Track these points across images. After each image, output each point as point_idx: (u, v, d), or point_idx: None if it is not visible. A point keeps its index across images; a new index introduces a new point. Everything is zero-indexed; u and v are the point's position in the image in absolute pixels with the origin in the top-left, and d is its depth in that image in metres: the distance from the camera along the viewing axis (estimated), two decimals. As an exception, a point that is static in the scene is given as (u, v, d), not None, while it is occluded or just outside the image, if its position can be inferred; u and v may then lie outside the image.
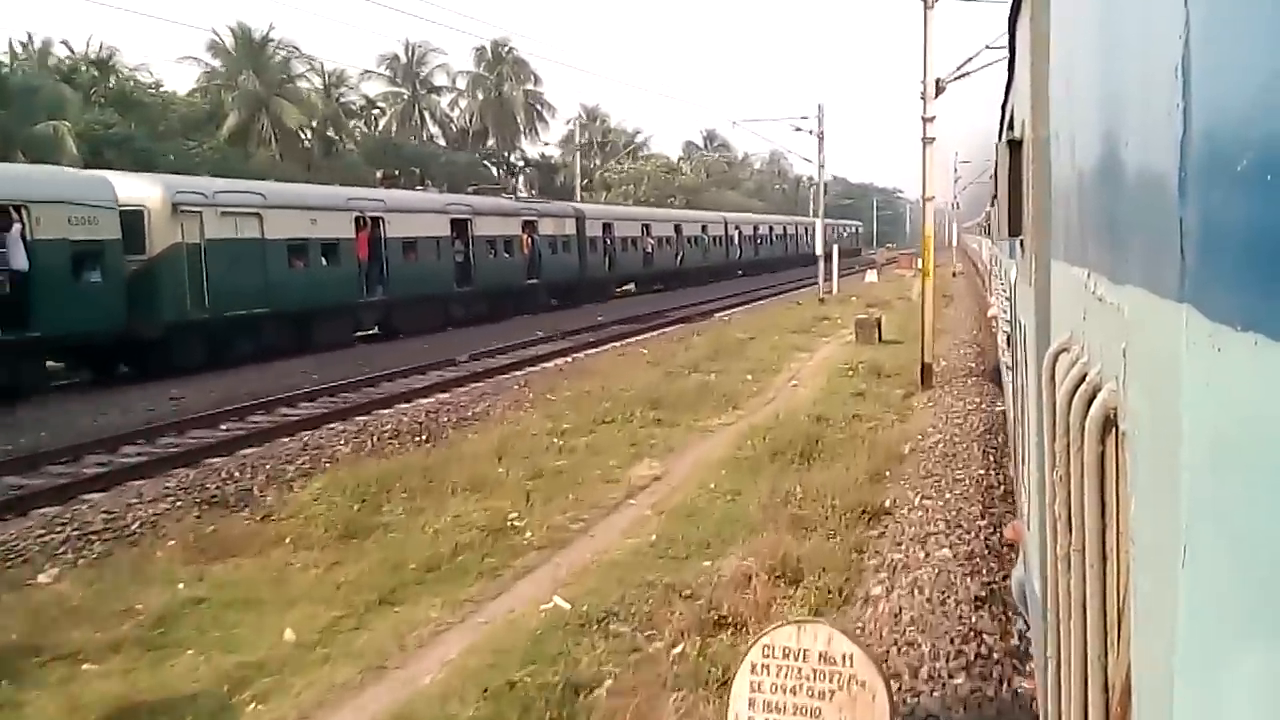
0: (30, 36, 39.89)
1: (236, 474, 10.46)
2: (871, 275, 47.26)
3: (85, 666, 6.12)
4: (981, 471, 10.22)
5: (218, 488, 9.95)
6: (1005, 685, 5.37)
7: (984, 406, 14.20)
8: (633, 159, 71.36)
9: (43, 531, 8.76)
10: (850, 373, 17.89)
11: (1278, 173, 0.65)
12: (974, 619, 6.12)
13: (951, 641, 5.73)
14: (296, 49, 47.28)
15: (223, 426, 13.30)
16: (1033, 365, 2.99)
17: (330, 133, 51.25)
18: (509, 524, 9.03)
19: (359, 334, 26.02)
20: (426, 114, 60.40)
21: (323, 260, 23.55)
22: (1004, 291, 9.90)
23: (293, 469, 10.72)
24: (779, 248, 64.12)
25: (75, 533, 8.68)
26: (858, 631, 6.14)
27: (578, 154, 48.60)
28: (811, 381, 17.54)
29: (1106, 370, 1.36)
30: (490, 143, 63.06)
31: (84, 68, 39.19)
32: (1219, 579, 0.79)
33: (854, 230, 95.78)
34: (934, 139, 15.91)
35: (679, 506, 9.75)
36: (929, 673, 5.49)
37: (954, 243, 72.07)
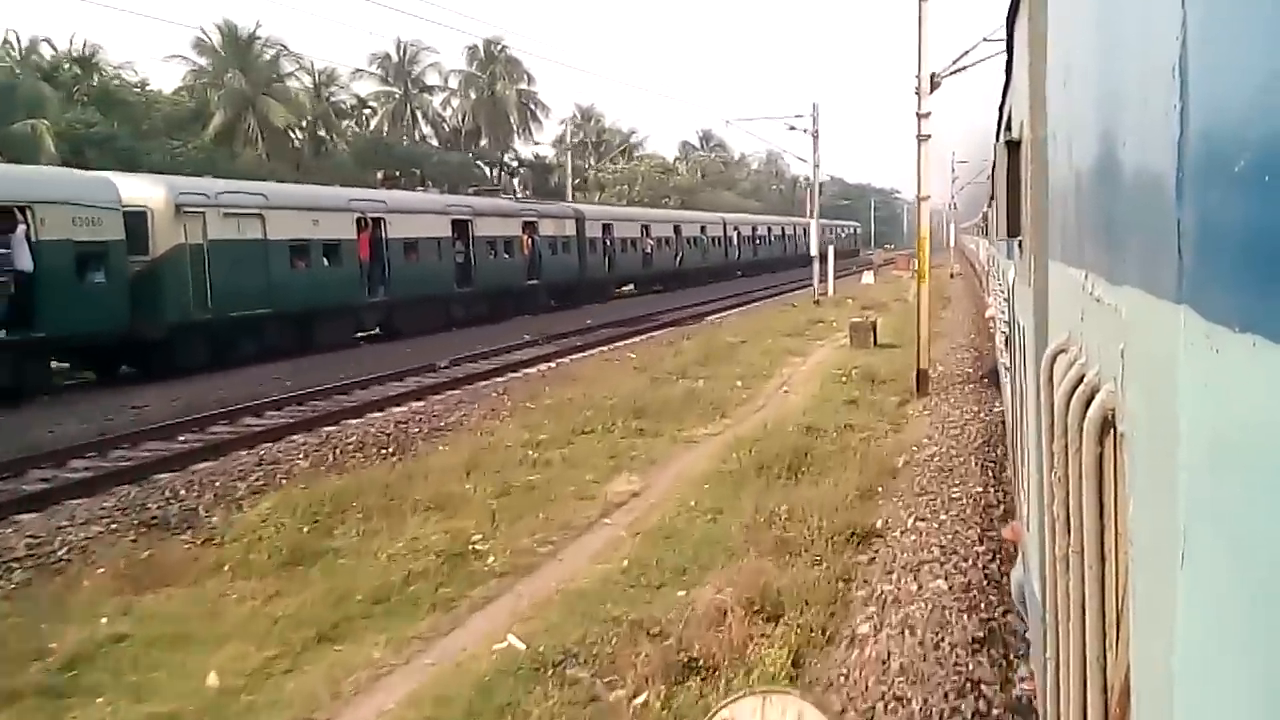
0: (17, 36, 39.31)
1: (182, 492, 9.79)
2: (868, 276, 46.61)
3: (-25, 721, 5.48)
4: (979, 489, 9.57)
5: (160, 507, 9.29)
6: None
7: (982, 415, 13.56)
8: (627, 159, 70.66)
9: (-42, 559, 8.09)
10: (843, 379, 17.26)
11: (1275, 173, 0.64)
12: (971, 666, 5.48)
13: (946, 696, 5.09)
14: (284, 47, 46.55)
15: (180, 438, 12.62)
16: (1031, 366, 3.00)
17: (321, 132, 50.58)
18: (471, 547, 8.38)
19: (360, 334, 25.98)
20: (419, 114, 59.66)
21: (325, 261, 23.54)
22: (1002, 292, 9.64)
23: (244, 486, 10.06)
24: (777, 248, 63.72)
25: (-6, 560, 8.01)
26: (840, 679, 5.52)
27: (569, 154, 47.79)
28: (803, 388, 16.90)
29: (1105, 371, 1.37)
30: (483, 143, 62.32)
31: (66, 65, 38.47)
32: (1217, 579, 0.78)
33: (852, 231, 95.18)
34: (929, 136, 15.27)
35: (656, 527, 9.11)
36: (919, 735, 4.86)
37: (951, 244, 71.53)
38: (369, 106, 57.40)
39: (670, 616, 6.64)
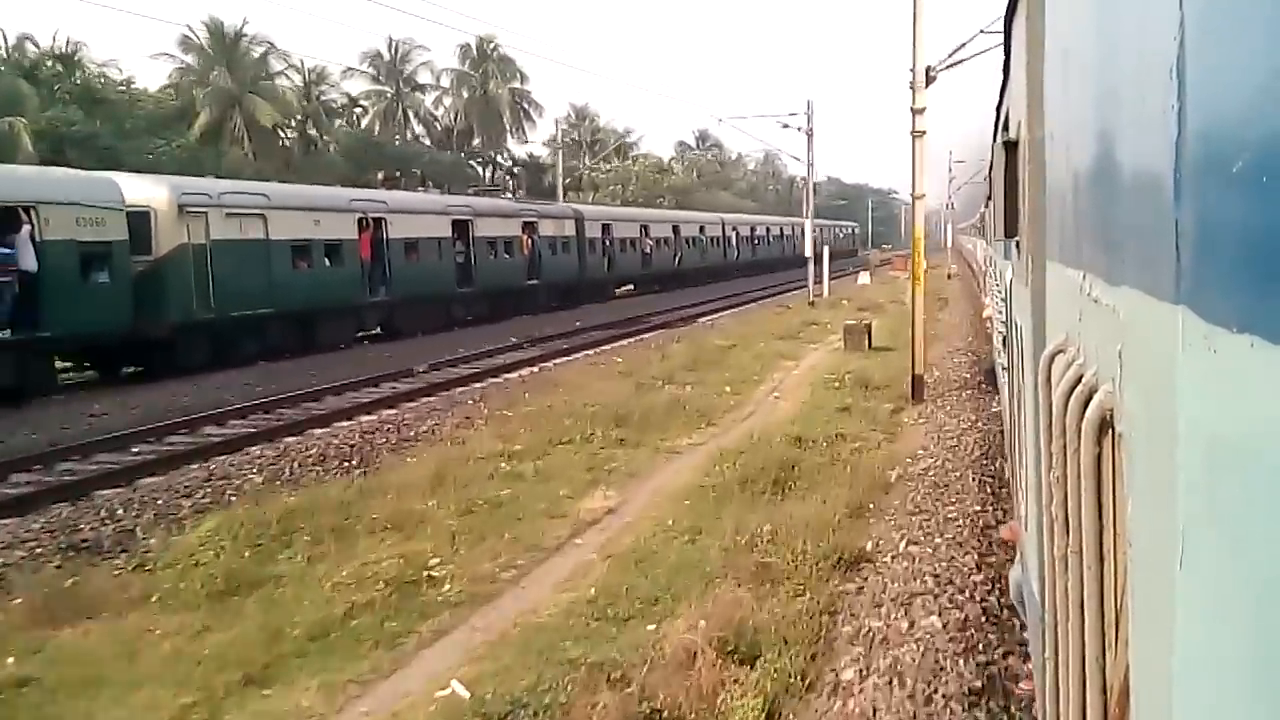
0: (4, 34, 38.59)
1: (120, 510, 9.12)
2: (864, 277, 45.98)
3: None
4: (977, 507, 8.93)
5: (93, 529, 8.63)
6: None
7: (979, 424, 12.92)
8: (622, 159, 69.92)
9: None
10: (836, 384, 16.63)
11: (1273, 174, 0.65)
12: (967, 725, 4.84)
13: (938, 764, 4.45)
14: (272, 44, 45.83)
15: (134, 449, 11.95)
16: (1029, 366, 2.98)
17: (311, 131, 49.91)
18: (426, 574, 7.73)
19: (362, 334, 25.94)
20: (410, 113, 58.91)
21: (326, 261, 23.59)
22: (999, 293, 9.46)
23: (189, 504, 9.39)
24: (775, 248, 63.33)
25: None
26: (820, 739, 4.87)
27: (560, 152, 47.10)
28: (794, 394, 16.26)
29: (1103, 372, 1.37)
30: (476, 142, 61.57)
31: (48, 63, 37.76)
32: (1216, 579, 0.79)
33: (850, 231, 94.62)
34: (924, 132, 14.63)
35: (630, 549, 8.46)
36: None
37: (949, 244, 70.94)
38: (360, 105, 56.73)
39: (635, 657, 6.00)
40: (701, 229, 51.30)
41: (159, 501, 9.45)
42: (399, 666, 6.22)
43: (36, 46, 38.99)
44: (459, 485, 10.30)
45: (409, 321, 26.35)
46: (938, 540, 7.92)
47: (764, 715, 5.22)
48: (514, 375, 18.20)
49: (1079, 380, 1.50)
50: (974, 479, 10.03)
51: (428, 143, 59.28)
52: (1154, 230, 0.94)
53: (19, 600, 7.11)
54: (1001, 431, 11.02)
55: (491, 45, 60.28)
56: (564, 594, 7.42)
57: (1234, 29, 0.72)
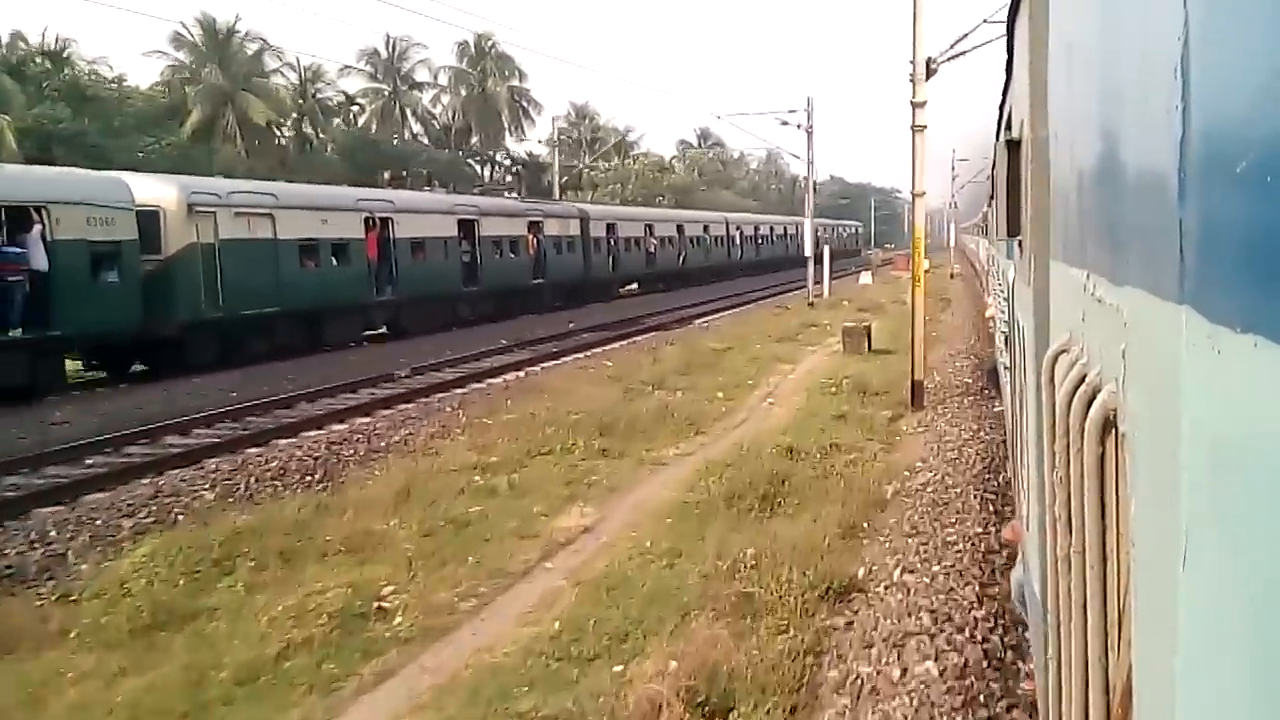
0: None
1: (53, 533, 8.46)
2: (866, 277, 45.27)
3: None
4: (978, 529, 8.27)
5: (20, 553, 7.98)
6: None
7: (982, 434, 12.25)
8: (622, 157, 69.18)
9: None
10: (833, 389, 15.99)
11: (1277, 173, 0.65)
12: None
13: None
14: (265, 41, 45.17)
15: (88, 461, 11.30)
16: (1031, 366, 3.00)
17: (307, 129, 49.30)
18: (377, 604, 7.09)
19: (368, 332, 25.96)
20: (408, 111, 58.20)
21: (333, 260, 23.62)
22: (1001, 292, 9.35)
23: (130, 524, 8.74)
24: (779, 248, 62.87)
25: None
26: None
27: (555, 150, 46.41)
28: (789, 400, 15.61)
29: (1106, 372, 1.38)
30: (474, 141, 60.85)
31: (37, 59, 37.16)
32: (1219, 580, 0.79)
33: (854, 230, 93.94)
34: (925, 126, 13.96)
35: (603, 575, 7.81)
36: None
37: (952, 243, 70.18)
38: (357, 104, 56.05)
39: (593, 707, 5.36)
40: (706, 228, 51.23)
41: (98, 522, 8.79)
42: (332, 717, 5.58)
43: (27, 44, 38.43)
44: (426, 502, 9.67)
45: (415, 321, 26.37)
46: (935, 568, 7.27)
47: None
48: (498, 380, 17.54)
49: (1082, 380, 1.51)
50: (975, 495, 9.37)
51: (425, 141, 58.60)
52: (1158, 230, 0.95)
53: (-74, 637, 6.48)
54: (1004, 441, 10.40)
55: (490, 43, 59.59)
56: (526, 628, 6.78)
57: (1238, 28, 0.72)
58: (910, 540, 8.13)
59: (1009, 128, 3.95)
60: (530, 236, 33.58)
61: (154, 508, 9.20)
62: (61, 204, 16.91)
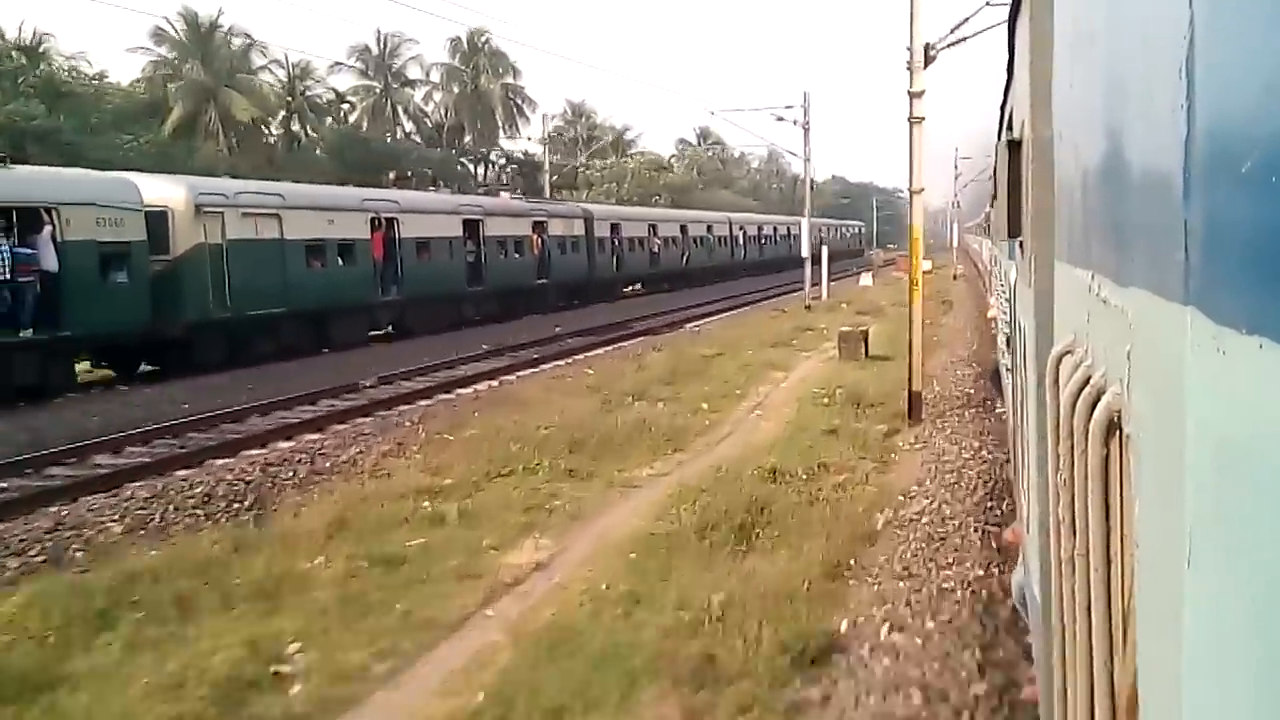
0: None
1: (-86, 582, 7.45)
2: (866, 278, 44.20)
3: None
4: (980, 572, 7.24)
5: None
6: None
7: (984, 452, 11.22)
8: (618, 155, 68.02)
9: None
10: (825, 400, 14.96)
11: None
12: None
13: None
14: (249, 36, 44.13)
15: (1, 485, 10.26)
16: (1032, 367, 2.98)
17: (295, 127, 48.31)
18: (274, 668, 6.07)
19: (374, 332, 25.94)
20: (400, 108, 57.16)
21: (339, 260, 23.73)
22: (1003, 293, 9.12)
23: (16, 565, 7.70)
24: (783, 248, 62.18)
25: None
26: None
27: (547, 148, 45.39)
28: (778, 412, 14.59)
29: (1111, 373, 1.38)
30: (467, 139, 59.77)
31: (13, 54, 36.17)
32: (1224, 582, 0.79)
33: (857, 230, 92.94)
34: (923, 118, 12.93)
35: (549, 627, 6.79)
36: None
37: (954, 243, 69.07)
38: (348, 101, 55.02)
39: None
40: (709, 229, 51.09)
41: (-22, 563, 7.78)
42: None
43: (3, 39, 37.47)
44: (362, 534, 8.66)
45: (420, 321, 26.33)
46: (929, 624, 6.24)
47: None
48: (468, 390, 16.49)
49: (1087, 381, 1.51)
50: (975, 528, 8.34)
51: (418, 139, 57.55)
52: (1163, 230, 0.95)
53: None
54: (1007, 461, 9.39)
55: (483, 39, 58.52)
56: (445, 700, 5.76)
57: (1243, 27, 0.73)
58: (901, 584, 7.10)
59: (1010, 128, 3.94)
60: (535, 237, 33.50)
61: (47, 544, 8.17)
62: (71, 205, 16.97)
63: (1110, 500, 1.38)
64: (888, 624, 6.31)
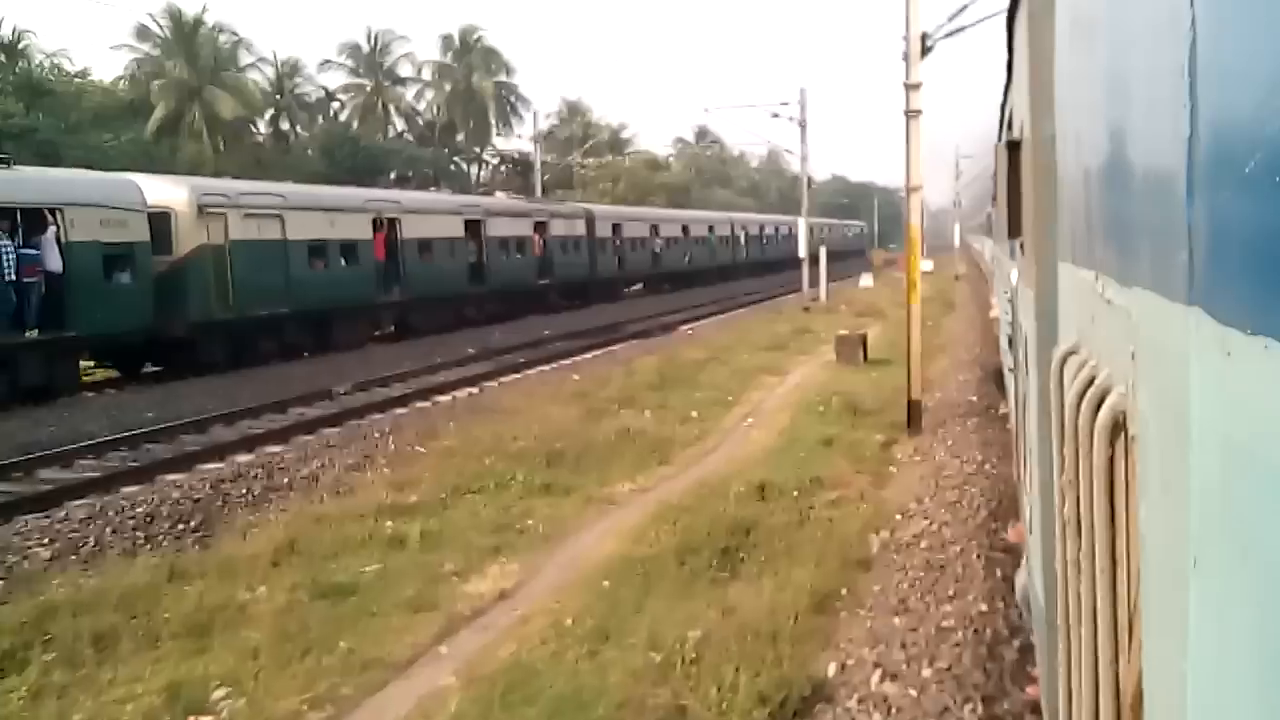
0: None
1: None
2: (866, 279, 43.49)
3: None
4: (983, 606, 6.56)
5: None
6: None
7: (988, 467, 10.54)
8: (614, 154, 67.25)
9: None
10: (821, 408, 14.28)
11: None
12: None
13: None
14: (235, 33, 43.39)
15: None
16: (1034, 367, 2.98)
17: (284, 125, 47.60)
18: (195, 718, 5.40)
19: (377, 332, 25.93)
20: (391, 107, 56.40)
21: (342, 261, 23.68)
22: (1006, 294, 8.80)
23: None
24: (785, 247, 61.44)
25: None
26: None
27: (538, 146, 44.67)
28: (771, 421, 13.92)
29: (1115, 374, 1.37)
30: (459, 138, 58.99)
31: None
32: (1229, 582, 0.78)
33: (858, 230, 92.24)
34: (920, 111, 12.26)
35: (505, 668, 6.12)
36: None
37: (956, 243, 68.43)
38: (337, 99, 54.33)
39: None
40: (711, 228, 50.89)
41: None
42: None
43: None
44: (313, 559, 7.99)
45: (422, 321, 26.27)
46: (925, 672, 5.56)
47: None
48: (446, 398, 15.80)
49: (1091, 382, 1.49)
50: (978, 555, 7.66)
51: (410, 138, 56.80)
52: (1166, 231, 0.94)
53: None
54: (1013, 465, 8.73)
55: (475, 36, 57.82)
56: (380, 760, 5.10)
57: (1245, 27, 0.72)
58: (896, 622, 6.43)
59: (1010, 129, 3.96)
60: (536, 237, 33.38)
61: (-34, 574, 7.49)
62: (75, 206, 17.00)
63: (1115, 502, 1.38)
64: (879, 670, 5.63)
